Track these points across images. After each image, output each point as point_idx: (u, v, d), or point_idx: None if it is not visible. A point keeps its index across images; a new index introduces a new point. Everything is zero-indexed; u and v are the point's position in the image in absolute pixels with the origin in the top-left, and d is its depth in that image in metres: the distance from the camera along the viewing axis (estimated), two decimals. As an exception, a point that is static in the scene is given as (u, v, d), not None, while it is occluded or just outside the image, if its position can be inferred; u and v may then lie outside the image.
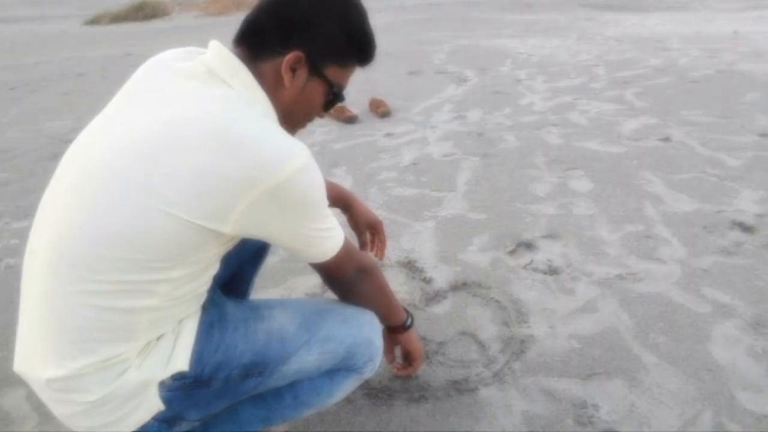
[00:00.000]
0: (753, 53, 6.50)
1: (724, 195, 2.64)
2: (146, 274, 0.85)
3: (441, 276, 2.01)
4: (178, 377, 0.92)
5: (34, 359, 0.89)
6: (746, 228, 2.31)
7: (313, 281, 2.00)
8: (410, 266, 2.10)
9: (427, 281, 1.98)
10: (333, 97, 1.01)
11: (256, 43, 0.94)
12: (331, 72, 0.98)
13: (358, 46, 0.99)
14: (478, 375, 1.48)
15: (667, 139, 3.50)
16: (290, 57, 0.92)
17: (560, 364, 1.52)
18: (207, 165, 0.81)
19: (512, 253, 2.17)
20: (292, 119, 1.00)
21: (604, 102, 4.49)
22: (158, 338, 0.93)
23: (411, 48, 7.72)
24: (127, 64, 7.10)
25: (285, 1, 0.94)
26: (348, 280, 1.09)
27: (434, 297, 1.88)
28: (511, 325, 1.70)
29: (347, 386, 1.14)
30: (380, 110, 4.33)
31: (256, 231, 0.90)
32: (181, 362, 0.93)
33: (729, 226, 2.32)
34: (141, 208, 0.82)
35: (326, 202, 0.96)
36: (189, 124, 0.83)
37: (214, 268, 0.97)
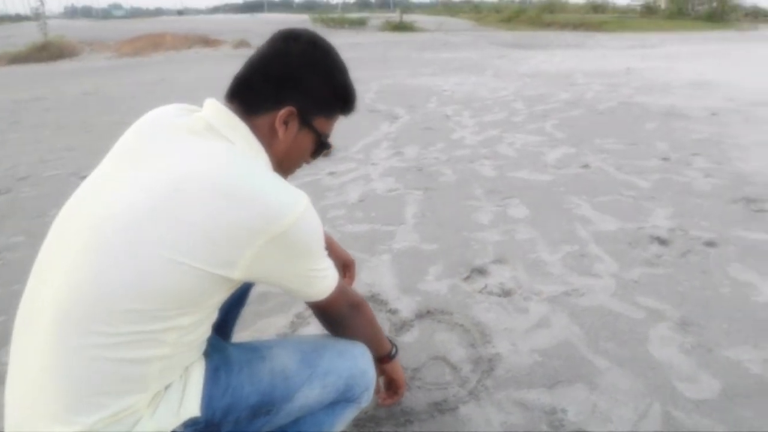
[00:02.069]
0: (645, 87, 7.25)
1: (641, 213, 2.97)
2: (157, 323, 0.89)
3: (405, 306, 2.15)
4: (190, 423, 0.95)
5: (37, 417, 0.88)
6: (662, 241, 2.62)
7: (282, 322, 2.06)
8: (374, 299, 2.22)
9: (393, 312, 2.11)
10: (321, 145, 1.13)
11: (250, 100, 1.03)
12: (319, 123, 1.09)
13: (343, 100, 1.12)
14: (455, 395, 1.62)
15: (586, 166, 3.86)
16: (284, 112, 1.02)
17: (527, 377, 1.69)
18: (217, 216, 0.88)
19: (467, 279, 2.35)
20: (285, 166, 1.10)
21: (528, 134, 4.86)
22: (167, 387, 0.95)
23: (339, 88, 7.95)
24: (40, 108, 6.85)
25: (276, 61, 1.04)
26: (341, 315, 1.17)
27: (402, 327, 2.01)
28: (477, 346, 1.86)
29: (347, 416, 1.21)
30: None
31: (262, 275, 0.97)
32: (192, 408, 0.95)
33: (649, 241, 2.62)
34: (154, 260, 0.86)
35: (324, 245, 1.04)
36: (197, 179, 0.90)
37: (215, 314, 1.02)
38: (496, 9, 37.15)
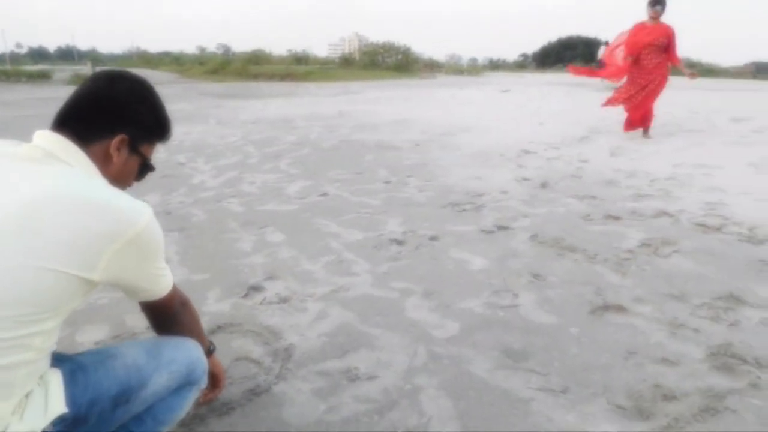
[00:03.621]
0: (358, 126, 8.38)
1: (378, 224, 3.55)
2: (26, 328, 0.96)
3: (193, 328, 2.23)
4: (58, 421, 1.02)
5: None
6: (399, 242, 3.20)
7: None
8: (159, 329, 2.24)
9: (182, 335, 2.17)
10: (145, 167, 1.29)
11: (82, 129, 1.14)
12: (144, 149, 1.26)
13: (164, 129, 1.29)
14: (265, 381, 1.81)
15: (325, 194, 4.38)
16: (117, 140, 1.17)
17: (320, 354, 1.97)
18: (77, 225, 0.99)
19: (246, 296, 2.52)
20: (117, 186, 1.21)
21: (266, 173, 5.22)
22: (27, 395, 1.00)
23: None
24: None
25: (103, 94, 1.18)
26: (174, 311, 1.32)
27: (196, 344, 2.10)
28: (271, 343, 2.07)
29: (191, 398, 1.36)
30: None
31: (117, 275, 1.08)
32: (59, 406, 1.02)
33: (389, 243, 3.18)
34: (23, 269, 0.94)
35: (164, 246, 1.20)
36: (52, 195, 1.00)
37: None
38: (200, 61, 37.25)
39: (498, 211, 3.79)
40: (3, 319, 0.93)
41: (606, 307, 2.29)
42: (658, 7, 6.39)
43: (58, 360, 1.13)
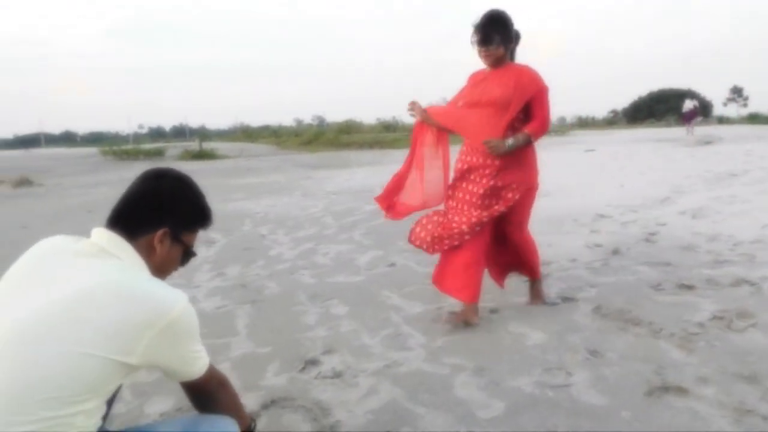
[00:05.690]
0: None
1: (439, 297, 3.55)
2: (69, 408, 1.09)
3: (250, 401, 2.33)
4: None
5: None
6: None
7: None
8: (220, 402, 2.38)
9: (240, 409, 2.30)
10: (187, 254, 1.47)
11: (130, 226, 1.34)
12: (186, 237, 1.44)
13: (204, 218, 1.48)
14: (307, 458, 1.87)
15: (393, 264, 4.48)
16: (160, 233, 1.35)
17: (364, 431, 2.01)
18: (117, 315, 1.15)
19: (302, 370, 2.63)
20: (162, 273, 1.40)
21: (340, 244, 5.43)
22: None
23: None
24: None
25: (146, 193, 1.39)
26: (212, 390, 1.43)
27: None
28: (320, 419, 2.14)
29: None
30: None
31: (154, 358, 1.22)
32: None
33: (448, 318, 3.19)
34: (66, 354, 1.10)
35: (199, 330, 1.34)
36: (101, 288, 1.18)
37: (105, 405, 1.22)
38: (296, 133, 39.47)
39: (564, 281, 3.70)
40: (48, 399, 1.07)
41: (665, 388, 2.16)
42: None
43: None
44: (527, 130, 2.88)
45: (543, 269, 4.00)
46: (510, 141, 2.86)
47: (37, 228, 7.13)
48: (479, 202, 2.97)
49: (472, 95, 3.04)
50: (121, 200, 1.39)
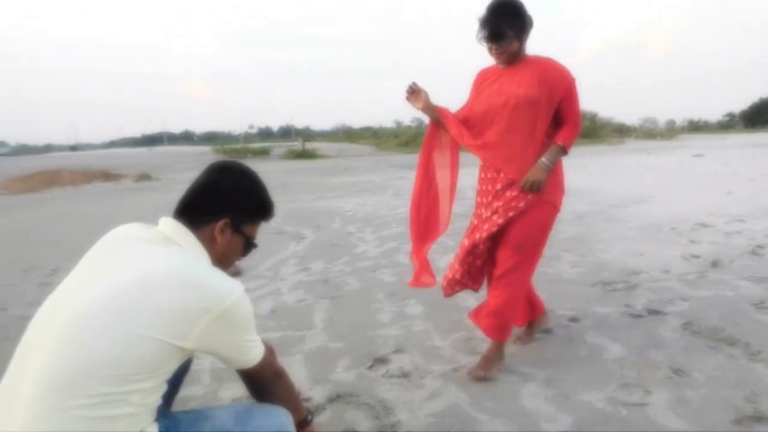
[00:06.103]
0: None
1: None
2: (127, 386, 1.17)
3: (317, 394, 2.41)
4: None
5: None
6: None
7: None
8: (290, 392, 2.47)
9: (306, 399, 2.35)
10: (248, 245, 1.52)
11: (195, 217, 1.41)
12: (247, 229, 1.49)
13: (265, 211, 1.53)
14: (364, 455, 1.89)
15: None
16: (221, 224, 1.42)
17: (423, 434, 2.01)
18: (175, 300, 1.22)
19: (371, 367, 2.66)
20: (223, 262, 1.47)
21: (422, 244, 5.41)
22: None
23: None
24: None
25: (212, 187, 1.45)
26: (267, 380, 1.48)
27: (315, 409, 2.26)
28: (381, 417, 2.16)
29: None
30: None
31: (208, 344, 1.28)
32: None
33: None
34: (129, 335, 1.17)
35: (254, 320, 1.39)
36: (161, 274, 1.25)
37: (165, 385, 1.30)
38: (395, 134, 39.91)
39: (653, 292, 3.46)
40: (108, 376, 1.15)
41: (756, 418, 1.95)
42: None
43: (162, 415, 1.33)
44: (559, 140, 2.41)
45: (630, 279, 3.79)
46: (544, 161, 2.39)
47: (149, 218, 7.72)
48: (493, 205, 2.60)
49: (489, 99, 2.53)
50: (188, 191, 1.46)
